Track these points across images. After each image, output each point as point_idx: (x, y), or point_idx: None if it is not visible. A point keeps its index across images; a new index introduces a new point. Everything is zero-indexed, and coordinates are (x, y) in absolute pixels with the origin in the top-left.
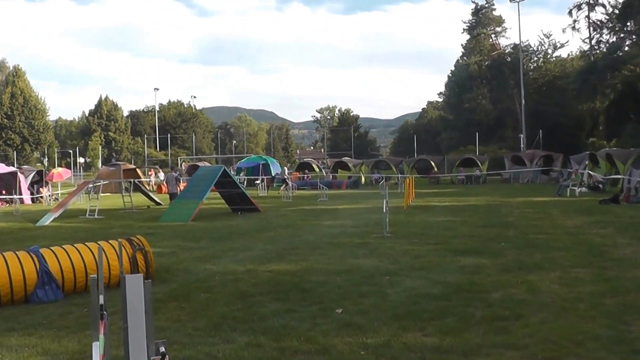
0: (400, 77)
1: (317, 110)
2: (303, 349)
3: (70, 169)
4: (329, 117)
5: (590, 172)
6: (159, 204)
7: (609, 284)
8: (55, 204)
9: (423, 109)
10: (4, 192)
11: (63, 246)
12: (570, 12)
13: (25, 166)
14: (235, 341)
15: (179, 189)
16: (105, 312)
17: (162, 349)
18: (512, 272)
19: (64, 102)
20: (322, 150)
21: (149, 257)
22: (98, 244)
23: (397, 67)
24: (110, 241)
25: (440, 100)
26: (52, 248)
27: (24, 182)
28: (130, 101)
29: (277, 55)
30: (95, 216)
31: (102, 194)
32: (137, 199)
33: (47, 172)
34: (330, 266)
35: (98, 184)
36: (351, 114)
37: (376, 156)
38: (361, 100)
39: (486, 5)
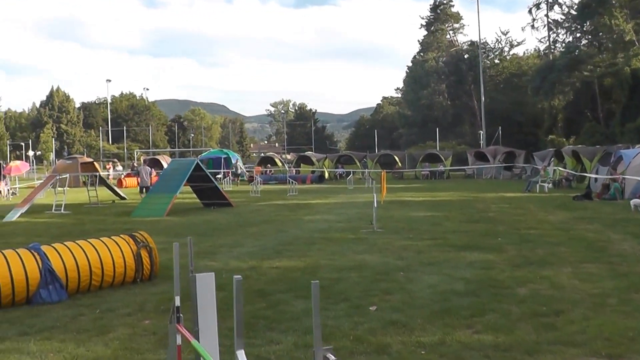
0: (352, 72)
1: (271, 104)
2: (358, 350)
3: (29, 163)
4: (283, 111)
5: (562, 168)
6: (123, 198)
7: (628, 279)
8: (15, 198)
9: (378, 104)
10: None
11: (65, 243)
12: (530, 11)
13: None
14: (280, 341)
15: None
16: (181, 315)
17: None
18: (524, 268)
19: (12, 93)
20: (277, 144)
21: (154, 254)
22: (102, 241)
23: (349, 62)
24: (113, 237)
25: (396, 95)
26: (54, 245)
27: None
28: (81, 93)
29: (227, 48)
30: (62, 211)
31: (59, 189)
32: (100, 193)
33: (4, 165)
34: (336, 262)
35: (64, 177)
36: (307, 109)
37: (335, 151)
38: (313, 94)
39: (445, 2)
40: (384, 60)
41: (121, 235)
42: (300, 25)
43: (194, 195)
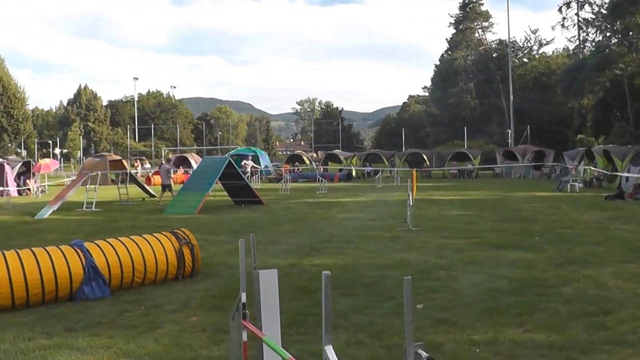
0: (377, 71)
1: (297, 103)
2: None
3: (58, 161)
4: (309, 110)
5: (593, 168)
6: (153, 195)
7: None
8: (45, 195)
9: (404, 102)
10: None
11: (108, 240)
12: (560, 10)
13: (11, 157)
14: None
15: (171, 180)
16: (247, 312)
17: (424, 354)
18: (565, 267)
19: (39, 91)
20: (302, 142)
21: (196, 251)
22: (144, 237)
23: (373, 60)
24: (154, 234)
25: (423, 94)
26: (96, 242)
27: (10, 174)
28: (107, 91)
29: (253, 46)
30: (93, 209)
31: (90, 186)
32: (130, 191)
33: (33, 163)
34: (375, 260)
35: (95, 174)
36: (334, 107)
37: (361, 149)
38: (338, 93)
39: (474, 0)
40: (410, 59)
41: (163, 232)
42: (326, 23)
43: (223, 193)
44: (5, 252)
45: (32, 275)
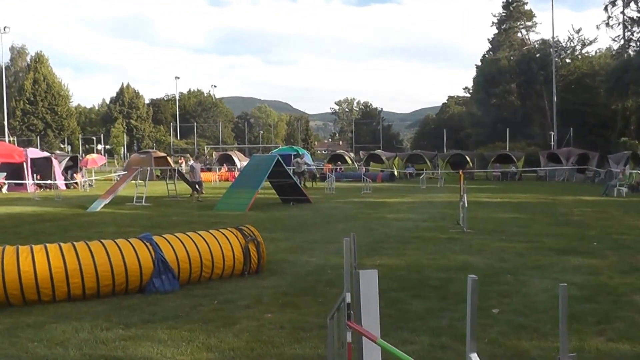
0: (413, 71)
1: (335, 103)
2: (497, 353)
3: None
4: (347, 110)
5: (638, 171)
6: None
7: None
8: (92, 189)
9: (444, 103)
10: (38, 177)
11: (176, 234)
12: (605, 8)
13: (58, 152)
14: (414, 342)
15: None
16: (352, 312)
17: None
18: (632, 274)
19: (79, 89)
20: (340, 142)
21: (261, 248)
22: (211, 233)
23: (410, 61)
24: (221, 230)
25: (463, 95)
26: (165, 236)
27: (57, 168)
28: (148, 90)
29: (291, 46)
30: (143, 203)
31: (140, 181)
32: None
33: (81, 158)
34: (437, 262)
35: (146, 169)
36: (373, 107)
37: (401, 149)
38: (375, 93)
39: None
40: (448, 59)
41: (229, 229)
42: (363, 24)
43: (270, 191)
44: (75, 243)
45: (102, 266)
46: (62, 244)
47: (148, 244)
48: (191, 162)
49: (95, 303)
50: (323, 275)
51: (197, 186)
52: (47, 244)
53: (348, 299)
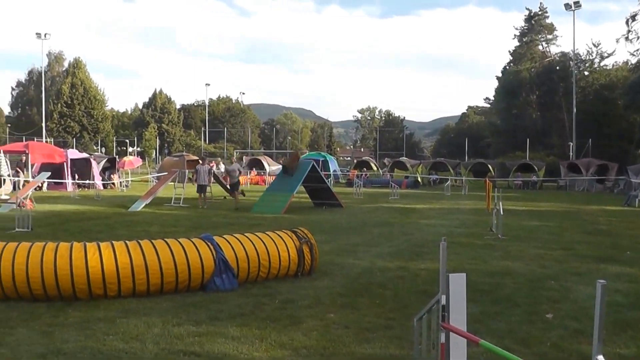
0: (432, 81)
1: (358, 111)
2: (562, 357)
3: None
4: (369, 118)
5: None
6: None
7: None
8: (128, 190)
9: (463, 113)
10: (77, 177)
11: (235, 235)
12: (627, 22)
13: (96, 153)
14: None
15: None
16: (446, 314)
17: None
18: None
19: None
20: (362, 149)
21: (315, 250)
22: (268, 234)
23: (430, 71)
24: (276, 231)
25: (483, 105)
26: (224, 236)
27: (96, 169)
28: (178, 96)
29: (315, 55)
30: (181, 204)
31: (178, 183)
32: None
33: (118, 160)
34: (480, 267)
35: (184, 171)
36: (395, 116)
37: (422, 157)
38: (395, 102)
39: (539, 13)
40: (467, 70)
41: (283, 230)
42: (384, 35)
43: (301, 195)
44: (140, 241)
45: (167, 264)
46: (127, 242)
47: (209, 243)
48: (231, 164)
49: (160, 300)
50: (373, 277)
51: (234, 188)
52: (114, 242)
53: (443, 301)
